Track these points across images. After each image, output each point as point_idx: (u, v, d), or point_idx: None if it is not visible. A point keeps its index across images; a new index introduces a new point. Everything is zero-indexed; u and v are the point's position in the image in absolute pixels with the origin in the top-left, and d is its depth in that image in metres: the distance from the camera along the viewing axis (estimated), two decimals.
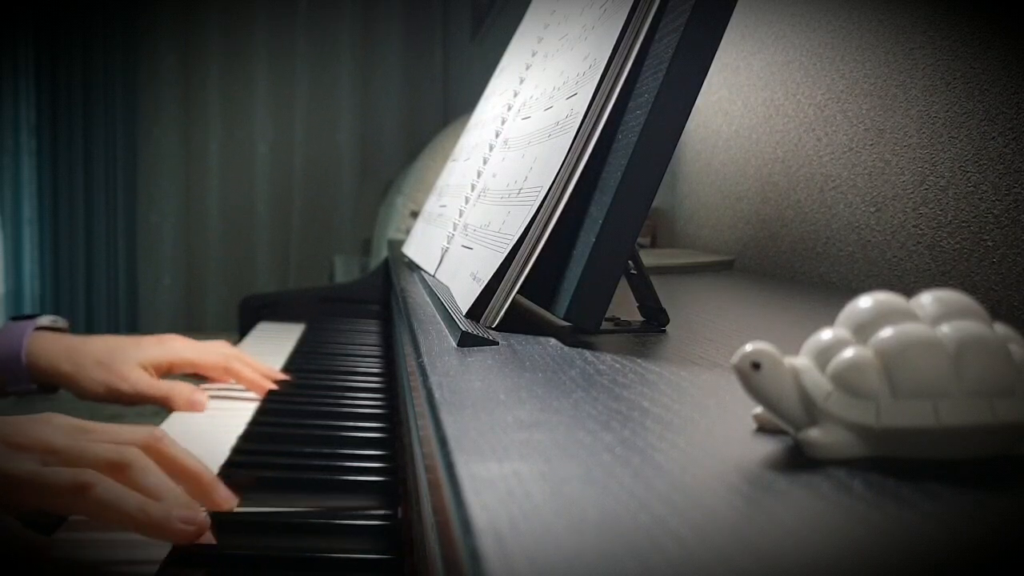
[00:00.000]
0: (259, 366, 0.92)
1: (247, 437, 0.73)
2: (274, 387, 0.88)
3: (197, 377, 0.92)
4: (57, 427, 0.53)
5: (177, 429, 0.77)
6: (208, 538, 0.49)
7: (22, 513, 0.49)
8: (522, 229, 0.52)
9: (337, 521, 0.55)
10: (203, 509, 0.51)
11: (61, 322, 0.91)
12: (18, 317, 0.90)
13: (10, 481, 0.47)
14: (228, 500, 0.55)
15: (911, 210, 0.78)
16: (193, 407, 0.82)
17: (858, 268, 0.87)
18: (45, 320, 0.89)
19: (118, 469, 0.50)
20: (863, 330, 0.28)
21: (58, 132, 3.73)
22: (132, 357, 0.85)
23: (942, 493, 0.24)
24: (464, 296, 0.58)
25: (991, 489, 0.25)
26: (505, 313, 0.51)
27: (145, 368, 0.85)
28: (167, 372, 0.88)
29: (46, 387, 0.86)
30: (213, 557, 0.49)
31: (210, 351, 0.90)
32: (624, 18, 0.53)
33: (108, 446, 0.52)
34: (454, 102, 3.81)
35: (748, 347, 0.28)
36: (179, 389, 0.83)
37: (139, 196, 3.85)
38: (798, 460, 0.27)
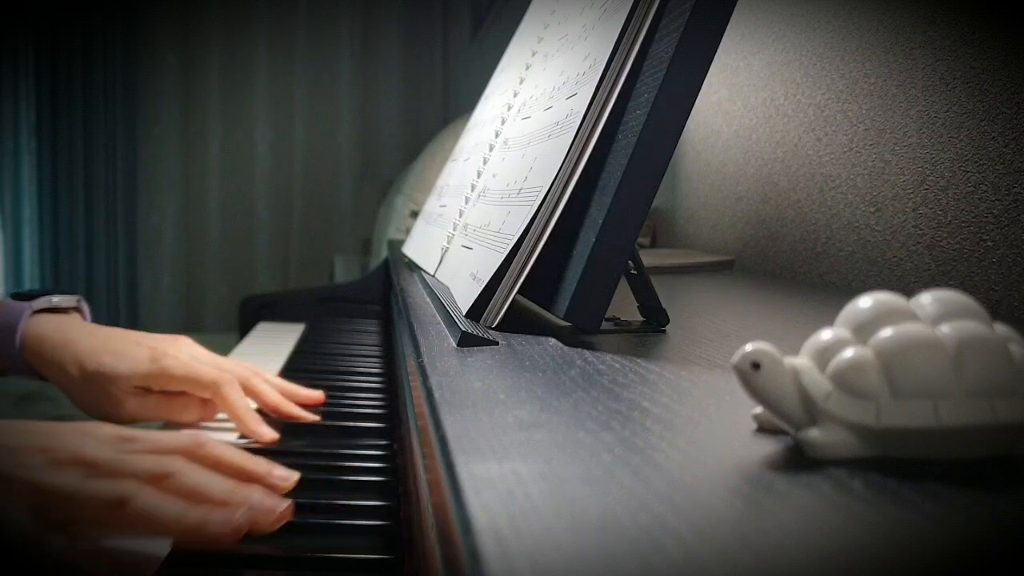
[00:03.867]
0: (271, 399, 0.76)
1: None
2: (269, 435, 0.71)
3: None
4: (98, 438, 0.51)
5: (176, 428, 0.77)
6: (271, 525, 0.49)
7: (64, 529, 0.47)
8: (522, 229, 0.52)
9: (337, 521, 0.55)
10: (247, 504, 0.50)
11: (68, 301, 0.80)
12: (20, 295, 0.79)
13: (51, 497, 0.46)
14: (287, 478, 0.53)
15: (911, 210, 0.78)
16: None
17: (858, 268, 0.87)
18: (43, 302, 0.78)
19: (160, 478, 0.49)
20: (863, 330, 0.28)
21: (58, 132, 3.74)
22: (123, 375, 0.72)
23: (942, 493, 0.24)
24: (464, 296, 0.58)
25: (991, 489, 0.25)
26: (505, 313, 0.51)
27: (139, 388, 0.73)
28: (153, 389, 0.74)
29: (44, 376, 0.76)
30: (213, 557, 0.49)
31: (205, 367, 0.74)
32: (624, 18, 0.53)
33: (150, 456, 0.50)
34: (454, 102, 3.82)
35: (748, 347, 0.28)
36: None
37: (139, 196, 3.85)
38: (798, 460, 0.27)
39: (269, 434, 0.72)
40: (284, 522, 0.50)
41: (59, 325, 0.77)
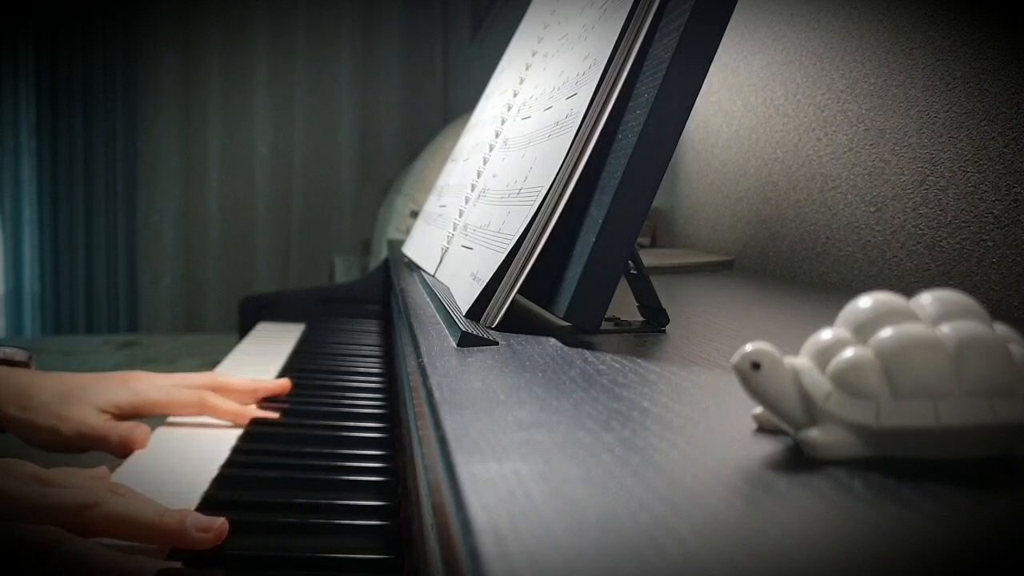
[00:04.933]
0: (243, 385, 0.82)
1: (247, 437, 0.73)
2: (259, 414, 0.78)
3: None
4: (18, 476, 0.50)
5: (176, 428, 0.77)
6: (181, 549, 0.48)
7: None
8: (522, 229, 0.52)
9: (337, 521, 0.55)
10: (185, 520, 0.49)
11: (20, 355, 0.80)
12: None
13: None
14: (207, 533, 0.50)
15: (911, 210, 0.78)
16: (126, 447, 0.71)
17: (858, 268, 0.87)
18: None
19: (87, 508, 0.48)
20: (863, 330, 0.28)
21: (58, 132, 3.74)
22: (89, 399, 0.74)
23: (942, 493, 0.24)
24: (464, 296, 0.58)
25: (991, 489, 0.25)
26: (505, 313, 0.51)
27: (105, 411, 0.74)
28: (133, 416, 0.76)
29: None
30: (213, 557, 0.49)
31: (181, 389, 0.78)
32: (624, 18, 0.53)
33: (72, 489, 0.49)
34: (454, 102, 3.82)
35: (748, 347, 0.28)
36: (116, 428, 0.72)
37: (139, 196, 3.85)
38: (798, 460, 0.27)
39: (270, 413, 0.79)
40: (221, 540, 0.49)
41: (13, 372, 0.76)
